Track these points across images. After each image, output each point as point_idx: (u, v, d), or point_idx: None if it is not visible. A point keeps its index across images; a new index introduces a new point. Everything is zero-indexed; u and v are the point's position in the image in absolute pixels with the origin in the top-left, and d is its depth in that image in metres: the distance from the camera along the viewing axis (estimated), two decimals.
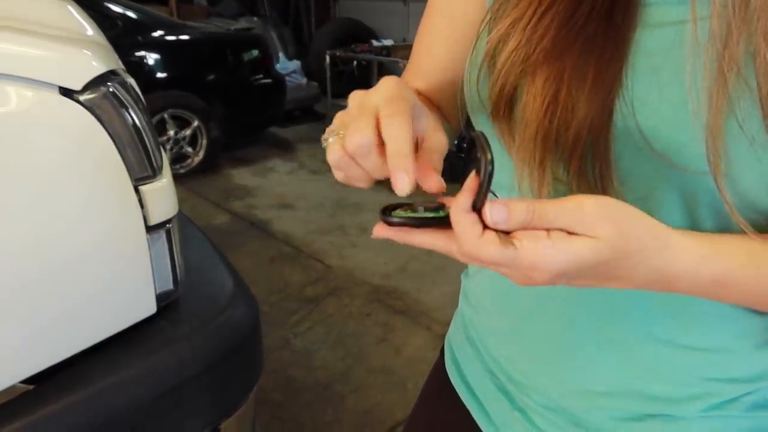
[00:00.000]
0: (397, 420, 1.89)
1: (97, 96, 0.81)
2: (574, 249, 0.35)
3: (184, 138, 3.92)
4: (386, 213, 0.38)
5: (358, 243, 3.13)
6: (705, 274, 0.40)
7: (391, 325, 2.41)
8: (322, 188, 3.87)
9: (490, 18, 0.50)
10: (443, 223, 0.37)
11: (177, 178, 4.14)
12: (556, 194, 0.46)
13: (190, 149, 3.98)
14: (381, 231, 0.39)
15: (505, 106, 0.48)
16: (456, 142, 3.62)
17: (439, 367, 0.74)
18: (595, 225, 0.35)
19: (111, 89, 0.84)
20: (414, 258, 2.88)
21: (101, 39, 1.06)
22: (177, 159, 3.97)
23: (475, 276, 0.66)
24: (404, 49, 4.19)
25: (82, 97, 0.80)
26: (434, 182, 0.37)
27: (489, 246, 0.35)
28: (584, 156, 0.44)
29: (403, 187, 0.35)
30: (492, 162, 0.34)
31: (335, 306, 2.55)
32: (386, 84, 0.40)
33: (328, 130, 0.41)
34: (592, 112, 0.43)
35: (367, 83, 5.51)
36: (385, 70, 5.34)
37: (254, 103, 4.27)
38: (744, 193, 0.41)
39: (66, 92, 0.79)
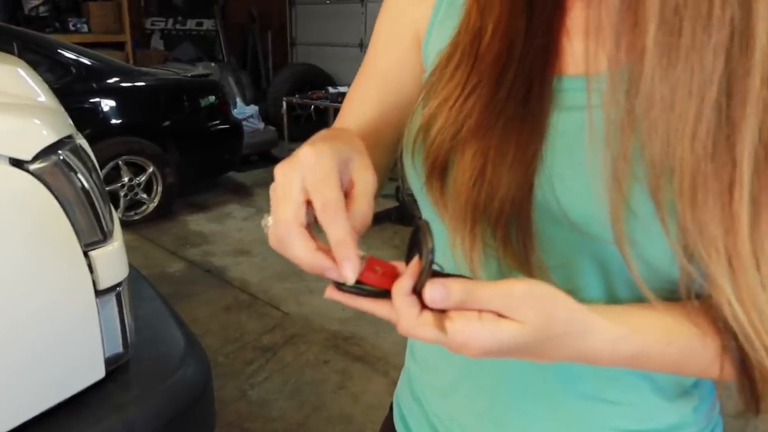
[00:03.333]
0: None
1: (47, 165, 0.83)
2: (500, 332, 0.39)
3: (138, 184, 3.87)
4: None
5: (315, 288, 3.12)
6: (622, 351, 0.44)
7: (349, 372, 2.41)
8: None
9: (424, 95, 0.55)
10: (388, 295, 0.40)
11: (131, 225, 3.98)
12: (487, 258, 0.50)
13: (145, 196, 3.94)
14: (332, 294, 0.42)
15: (437, 178, 0.52)
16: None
17: (389, 424, 0.76)
18: (522, 310, 0.39)
19: (62, 157, 0.86)
20: None
21: (53, 103, 1.07)
22: (131, 206, 3.92)
23: None
24: None
25: (32, 167, 0.81)
26: (348, 272, 0.39)
27: (425, 327, 0.39)
28: (509, 225, 0.48)
29: (349, 275, 0.38)
30: (432, 251, 0.38)
31: (292, 354, 2.53)
32: (308, 158, 0.40)
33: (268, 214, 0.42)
34: (514, 187, 0.48)
35: (323, 127, 5.56)
36: None
37: (211, 148, 4.27)
38: (650, 263, 0.45)
39: (16, 162, 0.81)
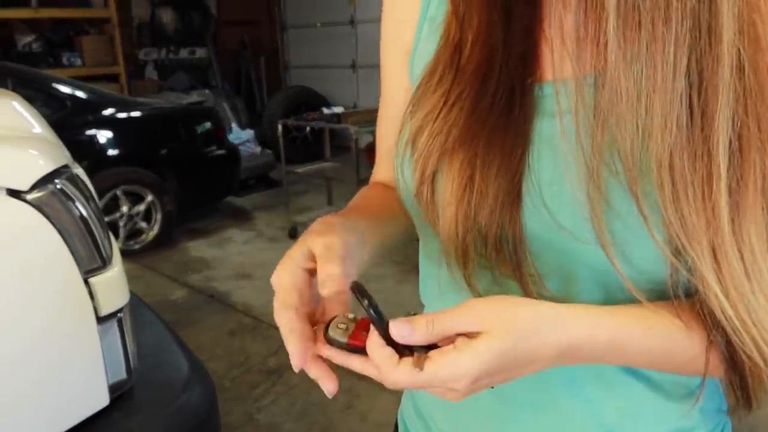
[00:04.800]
0: None
1: (45, 194, 0.83)
2: (476, 350, 0.39)
3: (137, 213, 3.88)
4: (327, 331, 0.45)
5: None
6: (600, 335, 0.43)
7: (355, 390, 2.39)
8: (280, 255, 3.72)
9: (411, 109, 0.55)
10: None
11: (132, 254, 3.96)
12: (480, 268, 0.50)
13: (144, 224, 3.94)
14: (323, 350, 0.46)
15: (427, 189, 0.52)
16: None
17: None
18: (485, 320, 0.40)
19: (59, 186, 0.86)
20: None
21: (49, 134, 1.08)
22: (131, 235, 3.92)
23: None
24: (353, 115, 4.30)
25: (29, 197, 0.82)
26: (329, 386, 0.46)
27: (405, 371, 0.40)
28: (500, 233, 0.48)
29: (294, 364, 0.45)
30: (371, 306, 0.41)
31: (299, 376, 2.51)
32: (275, 277, 0.49)
33: None
34: (501, 194, 0.48)
35: (320, 148, 5.62)
36: (336, 135, 5.48)
37: (209, 174, 4.29)
38: (637, 265, 0.45)
39: (13, 193, 0.81)
